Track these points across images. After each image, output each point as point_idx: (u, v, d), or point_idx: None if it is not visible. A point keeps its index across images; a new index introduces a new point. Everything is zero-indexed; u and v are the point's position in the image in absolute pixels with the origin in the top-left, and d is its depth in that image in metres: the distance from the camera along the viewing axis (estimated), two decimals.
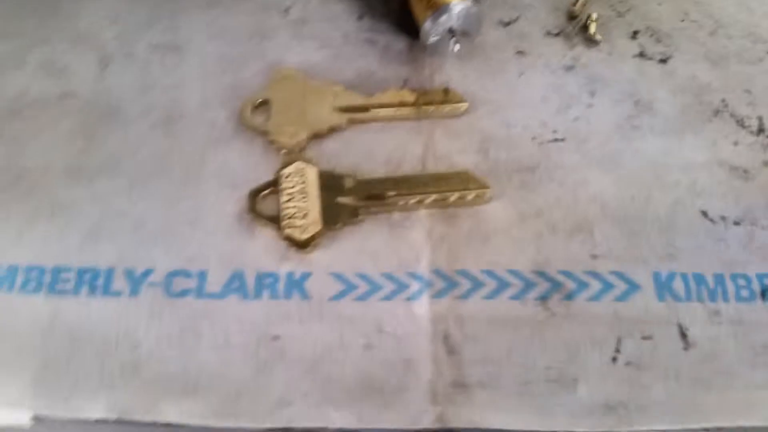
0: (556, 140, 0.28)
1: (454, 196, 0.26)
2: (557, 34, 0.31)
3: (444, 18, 0.27)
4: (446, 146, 0.27)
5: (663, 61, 0.30)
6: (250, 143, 0.27)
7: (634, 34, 0.31)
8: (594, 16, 0.31)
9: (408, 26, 0.30)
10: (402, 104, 0.28)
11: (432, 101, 0.28)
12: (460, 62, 0.30)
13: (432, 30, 0.27)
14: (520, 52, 0.30)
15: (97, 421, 0.22)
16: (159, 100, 0.28)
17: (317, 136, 0.27)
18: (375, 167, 0.27)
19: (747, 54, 0.30)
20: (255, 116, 0.27)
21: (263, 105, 0.28)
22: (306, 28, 0.30)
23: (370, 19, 0.31)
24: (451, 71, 0.29)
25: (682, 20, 0.32)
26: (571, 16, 0.32)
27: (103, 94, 0.28)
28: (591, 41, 0.31)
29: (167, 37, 0.30)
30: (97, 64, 0.29)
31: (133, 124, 0.27)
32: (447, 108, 0.28)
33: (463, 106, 0.28)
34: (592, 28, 0.31)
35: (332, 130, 0.27)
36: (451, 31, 0.27)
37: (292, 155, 0.26)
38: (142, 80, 0.28)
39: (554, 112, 0.28)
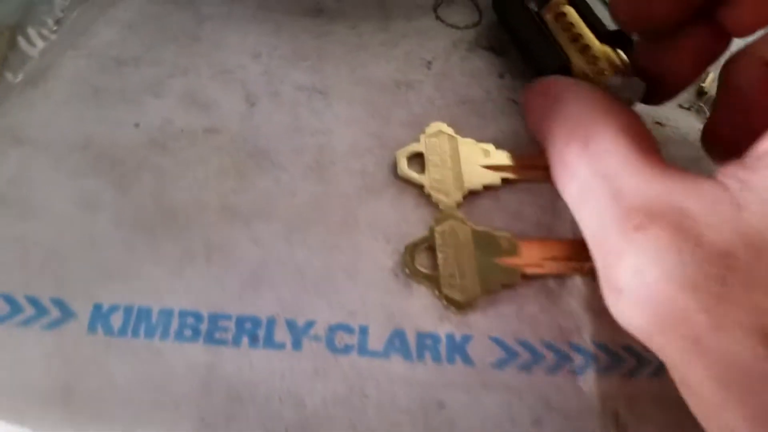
0: None
1: None
2: (689, 108, 0.31)
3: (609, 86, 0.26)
4: None
5: None
6: (401, 195, 0.26)
7: None
8: None
9: None
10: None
11: None
12: None
13: None
14: (657, 123, 0.30)
15: None
16: (308, 143, 0.27)
17: (471, 193, 0.27)
18: (526, 229, 0.26)
19: None
20: (410, 168, 0.27)
21: (415, 157, 0.27)
22: (448, 82, 0.30)
23: (511, 78, 0.30)
24: None
25: None
26: (701, 92, 0.32)
27: (251, 132, 0.27)
28: None
29: (312, 79, 0.29)
30: (244, 101, 0.28)
31: (284, 167, 0.26)
32: None
33: None
34: None
35: (486, 188, 0.27)
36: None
37: (446, 212, 0.26)
38: (290, 122, 0.28)
39: None
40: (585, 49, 0.27)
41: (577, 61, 0.27)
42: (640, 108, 0.30)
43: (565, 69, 0.28)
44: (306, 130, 0.28)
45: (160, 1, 0.31)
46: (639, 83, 0.26)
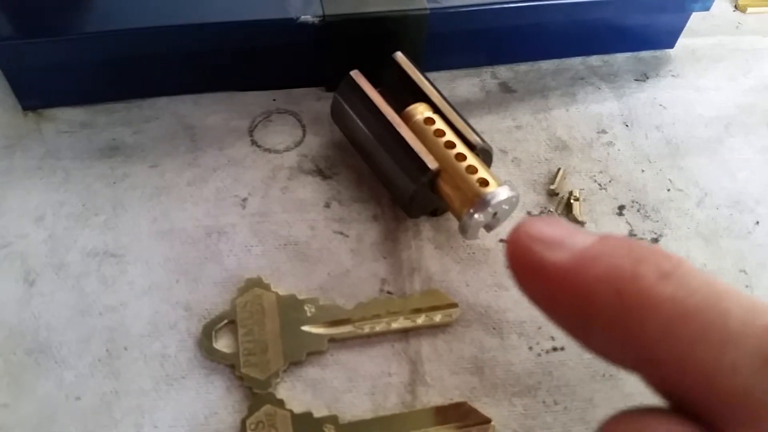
0: (554, 349, 0.25)
1: None
2: (539, 215, 0.28)
3: (489, 208, 0.24)
4: (437, 369, 0.24)
5: (655, 240, 0.28)
6: (210, 378, 0.23)
7: (621, 210, 0.29)
8: (576, 193, 0.29)
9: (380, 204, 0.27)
10: (387, 313, 0.25)
11: (420, 308, 0.25)
12: (440, 254, 0.27)
13: (474, 223, 0.24)
14: (503, 240, 0.27)
15: None
16: (97, 327, 0.24)
17: (293, 364, 0.23)
18: (357, 401, 0.23)
19: (736, 227, 0.29)
20: (217, 342, 0.23)
21: (227, 325, 0.24)
22: (267, 223, 0.27)
23: (339, 205, 0.27)
24: (430, 265, 0.26)
25: (668, 189, 0.30)
26: (551, 194, 0.29)
27: (29, 322, 0.23)
28: (576, 222, 0.28)
29: (105, 239, 0.25)
30: (22, 281, 0.24)
31: (69, 362, 0.23)
32: (437, 316, 0.25)
33: (455, 312, 0.25)
34: (576, 209, 0.29)
35: (310, 354, 0.24)
36: (489, 226, 0.25)
37: (263, 395, 0.23)
38: (75, 301, 0.24)
39: None
40: (461, 157, 0.25)
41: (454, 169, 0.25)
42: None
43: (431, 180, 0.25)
44: (94, 309, 0.24)
45: None
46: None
